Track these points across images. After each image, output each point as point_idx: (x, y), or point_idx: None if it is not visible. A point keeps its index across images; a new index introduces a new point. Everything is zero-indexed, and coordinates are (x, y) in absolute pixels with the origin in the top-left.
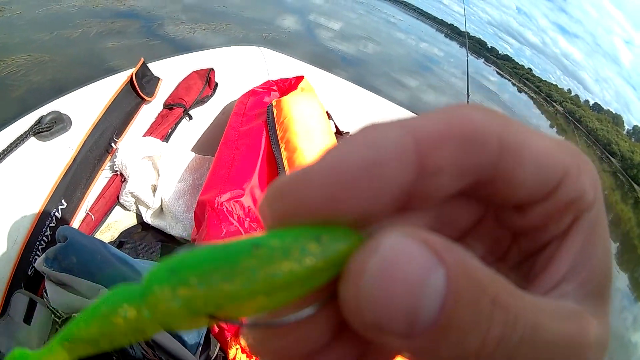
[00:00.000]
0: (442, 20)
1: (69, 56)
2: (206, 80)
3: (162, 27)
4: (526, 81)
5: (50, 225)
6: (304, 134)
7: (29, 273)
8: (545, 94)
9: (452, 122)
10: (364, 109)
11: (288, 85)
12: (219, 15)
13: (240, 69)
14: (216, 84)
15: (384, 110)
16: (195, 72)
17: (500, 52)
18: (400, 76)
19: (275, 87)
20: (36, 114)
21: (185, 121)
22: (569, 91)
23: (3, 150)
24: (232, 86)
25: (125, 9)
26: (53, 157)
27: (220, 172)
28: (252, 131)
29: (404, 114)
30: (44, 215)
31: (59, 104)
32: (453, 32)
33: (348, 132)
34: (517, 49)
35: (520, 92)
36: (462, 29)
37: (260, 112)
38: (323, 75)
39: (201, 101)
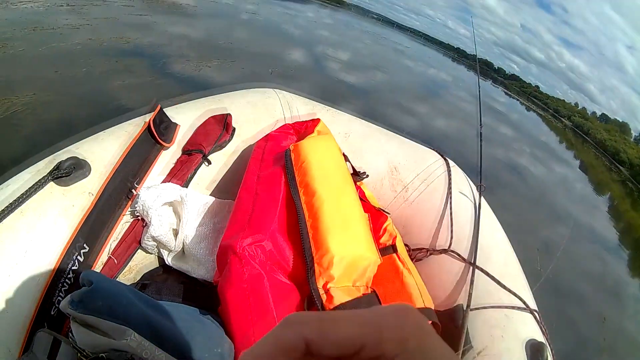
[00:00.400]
0: (448, 44)
1: (75, 95)
2: (224, 126)
3: (168, 65)
4: (534, 99)
5: (73, 268)
6: (322, 178)
7: (52, 313)
8: (553, 110)
9: (276, 346)
10: (382, 148)
11: (304, 128)
12: (224, 51)
13: (257, 111)
14: (234, 129)
15: (400, 148)
16: (212, 117)
17: (507, 72)
18: (410, 104)
19: (292, 131)
20: (53, 158)
21: (204, 166)
22: (576, 105)
23: (22, 194)
24: (249, 129)
25: (130, 47)
26: (73, 202)
27: (241, 217)
28: (271, 176)
29: (421, 151)
30: (66, 258)
31: (77, 149)
32: (460, 56)
33: (364, 172)
34: (523, 67)
35: (528, 110)
36: (469, 52)
37: (278, 157)
38: (339, 116)
39: (219, 146)
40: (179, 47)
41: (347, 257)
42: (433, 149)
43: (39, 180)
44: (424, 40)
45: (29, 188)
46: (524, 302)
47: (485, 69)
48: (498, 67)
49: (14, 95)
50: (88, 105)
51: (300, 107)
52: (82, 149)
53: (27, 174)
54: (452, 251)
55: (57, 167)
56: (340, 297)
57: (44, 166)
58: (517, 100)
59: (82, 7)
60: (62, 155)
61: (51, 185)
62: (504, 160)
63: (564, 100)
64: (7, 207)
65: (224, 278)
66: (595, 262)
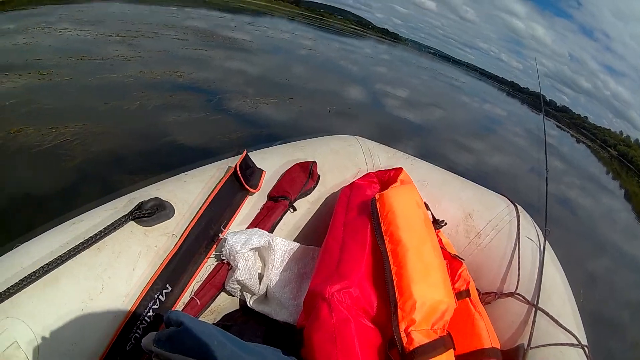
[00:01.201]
0: (502, 78)
1: (128, 128)
2: (309, 174)
3: (225, 101)
4: (582, 130)
5: (154, 306)
6: (406, 227)
7: (127, 349)
8: (601, 141)
9: None
10: (457, 195)
11: (387, 177)
12: (282, 88)
13: (340, 159)
14: (318, 176)
15: (474, 196)
16: (298, 164)
17: (558, 104)
18: (466, 140)
19: (375, 179)
20: (132, 198)
21: (289, 212)
22: (621, 132)
23: (100, 232)
24: (333, 177)
25: (185, 81)
26: (155, 243)
27: (329, 264)
28: (357, 224)
29: (494, 197)
30: (147, 297)
31: (158, 190)
32: (514, 89)
33: (443, 221)
34: (572, 98)
35: (578, 142)
36: (522, 85)
37: (363, 206)
38: (418, 164)
39: (305, 193)
40: (235, 83)
41: (428, 302)
42: (504, 196)
43: (119, 218)
44: (479, 75)
45: (108, 226)
46: (577, 339)
47: (537, 102)
48: (550, 99)
49: (62, 125)
50: (141, 138)
51: (381, 155)
52: (165, 190)
53: (103, 212)
54: (518, 294)
55: (139, 207)
56: (419, 339)
57: (122, 205)
58: (568, 132)
59: (132, 39)
60: (143, 195)
61: (131, 224)
62: (555, 193)
63: (609, 129)
64: (82, 243)
65: (312, 322)
66: (636, 292)
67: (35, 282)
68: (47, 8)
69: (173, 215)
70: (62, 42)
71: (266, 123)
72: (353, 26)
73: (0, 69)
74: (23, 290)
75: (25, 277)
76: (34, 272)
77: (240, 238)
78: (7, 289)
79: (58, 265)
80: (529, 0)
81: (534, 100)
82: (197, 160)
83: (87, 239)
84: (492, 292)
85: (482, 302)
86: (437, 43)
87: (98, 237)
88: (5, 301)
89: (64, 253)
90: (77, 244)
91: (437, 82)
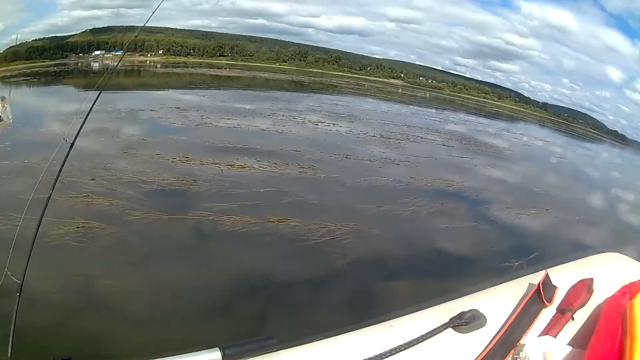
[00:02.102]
0: None
1: (402, 233)
2: (588, 289)
3: (490, 211)
4: None
5: None
6: None
7: None
8: None
9: None
10: None
11: (635, 288)
12: (539, 197)
13: (607, 275)
14: (593, 290)
15: None
16: (581, 282)
17: None
18: None
19: (628, 291)
20: (450, 307)
21: (570, 321)
22: None
23: (421, 336)
24: (602, 289)
25: (454, 189)
26: (468, 348)
27: None
28: (614, 328)
29: None
30: None
31: (473, 301)
32: None
33: None
34: None
35: None
36: None
37: (619, 313)
38: None
39: (582, 304)
40: (498, 192)
41: None
42: None
43: (441, 325)
44: None
45: (429, 332)
46: None
47: None
48: None
49: (331, 222)
50: (416, 245)
51: (633, 268)
52: (478, 301)
53: (422, 317)
54: None
55: (459, 316)
56: None
57: (442, 313)
58: None
59: (398, 141)
60: (460, 305)
61: (449, 330)
62: None
63: None
64: (402, 344)
65: None
66: None
67: None
68: (289, 95)
69: (486, 324)
70: (320, 136)
71: (529, 234)
72: (591, 130)
73: (246, 152)
74: None
75: None
76: None
77: (535, 344)
78: None
79: None
80: None
81: None
82: (472, 269)
83: (407, 342)
84: None
85: None
86: None
87: (419, 340)
88: None
89: (385, 351)
90: (399, 344)
91: (628, 168)
